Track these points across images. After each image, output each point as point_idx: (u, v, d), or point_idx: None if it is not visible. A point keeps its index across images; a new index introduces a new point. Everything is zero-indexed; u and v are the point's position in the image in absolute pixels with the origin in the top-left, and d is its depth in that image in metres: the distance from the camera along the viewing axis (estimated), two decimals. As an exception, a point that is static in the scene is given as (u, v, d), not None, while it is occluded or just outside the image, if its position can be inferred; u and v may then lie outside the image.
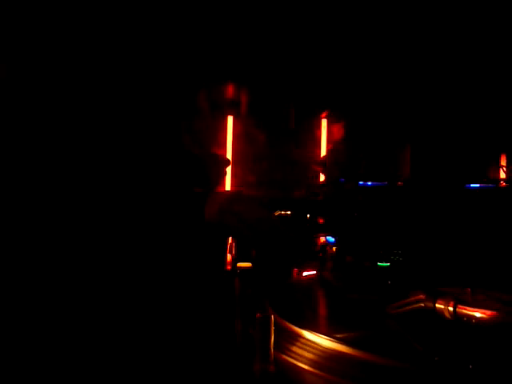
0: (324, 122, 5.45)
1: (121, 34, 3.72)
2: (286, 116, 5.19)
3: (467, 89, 4.96)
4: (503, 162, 5.16)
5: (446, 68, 4.93)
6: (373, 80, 5.10)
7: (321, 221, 4.25)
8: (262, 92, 4.92)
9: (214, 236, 3.63)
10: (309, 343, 1.72)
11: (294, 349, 1.75)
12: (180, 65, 4.23)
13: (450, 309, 1.71)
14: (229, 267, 3.19)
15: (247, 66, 4.68)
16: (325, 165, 5.06)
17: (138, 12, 3.86)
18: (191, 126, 4.47)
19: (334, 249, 3.57)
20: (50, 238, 3.37)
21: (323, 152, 5.37)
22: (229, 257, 3.26)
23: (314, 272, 2.98)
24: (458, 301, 1.71)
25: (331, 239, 3.69)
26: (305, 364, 1.67)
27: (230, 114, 4.94)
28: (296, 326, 1.83)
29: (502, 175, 5.12)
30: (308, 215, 4.33)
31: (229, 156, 4.97)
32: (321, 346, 1.67)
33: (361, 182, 5.28)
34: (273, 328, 1.65)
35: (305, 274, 3.00)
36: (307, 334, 1.76)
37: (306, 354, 1.69)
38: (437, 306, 1.75)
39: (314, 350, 1.69)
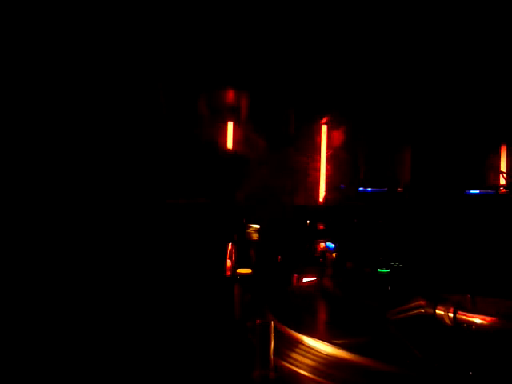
0: (324, 128, 5.46)
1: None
2: (285, 122, 5.19)
3: (464, 96, 4.98)
4: (503, 168, 5.16)
5: (446, 75, 4.94)
6: (373, 86, 5.11)
7: (320, 227, 4.25)
8: (262, 97, 4.93)
9: (213, 242, 3.64)
10: (309, 349, 1.72)
11: (294, 355, 1.74)
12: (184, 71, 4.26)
13: (450, 315, 1.70)
14: (229, 273, 3.19)
15: (247, 72, 4.69)
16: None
17: (145, 23, 3.90)
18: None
19: (334, 255, 3.57)
20: (53, 239, 3.39)
21: (323, 158, 5.37)
22: (229, 263, 3.26)
23: (314, 278, 2.98)
24: (458, 307, 1.71)
25: (331, 245, 3.69)
26: (305, 370, 1.66)
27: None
28: (296, 331, 1.83)
29: (502, 181, 5.12)
30: (308, 221, 4.34)
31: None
32: (321, 352, 1.67)
33: (361, 188, 5.28)
34: (272, 334, 1.65)
35: (305, 280, 3.00)
36: (307, 340, 1.75)
37: (306, 361, 1.68)
38: (437, 312, 1.75)
39: (314, 357, 1.68)
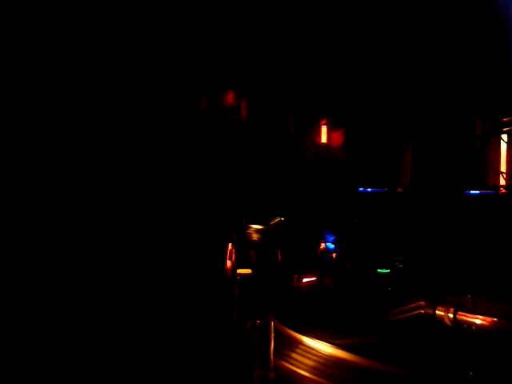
0: (324, 129, 5.46)
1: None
2: (285, 122, 5.19)
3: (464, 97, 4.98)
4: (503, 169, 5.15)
5: (445, 74, 4.94)
6: (373, 85, 5.11)
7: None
8: (262, 99, 4.94)
9: (214, 243, 3.63)
10: (309, 349, 1.72)
11: (294, 355, 1.74)
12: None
13: (450, 315, 1.70)
14: (229, 273, 3.18)
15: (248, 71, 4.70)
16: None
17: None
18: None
19: (334, 255, 3.57)
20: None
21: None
22: (229, 263, 3.26)
23: (314, 278, 2.98)
24: (458, 307, 1.71)
25: (331, 246, 3.69)
26: (305, 371, 1.66)
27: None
28: (296, 332, 1.83)
29: (502, 182, 5.10)
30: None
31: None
32: (321, 353, 1.67)
33: (360, 189, 5.28)
34: (272, 334, 1.65)
35: (305, 280, 2.99)
36: (307, 341, 1.75)
37: (306, 361, 1.68)
38: (437, 312, 1.74)
39: (314, 357, 1.68)
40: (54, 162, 3.63)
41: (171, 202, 4.14)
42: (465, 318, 1.67)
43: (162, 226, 3.96)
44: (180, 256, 3.77)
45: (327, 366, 1.61)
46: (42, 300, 3.09)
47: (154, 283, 3.44)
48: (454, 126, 5.07)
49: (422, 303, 1.79)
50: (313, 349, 1.70)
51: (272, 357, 1.64)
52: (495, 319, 1.62)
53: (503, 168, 5.17)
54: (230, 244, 3.37)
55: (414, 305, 1.83)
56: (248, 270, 2.92)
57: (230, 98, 4.86)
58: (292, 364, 1.71)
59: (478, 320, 1.64)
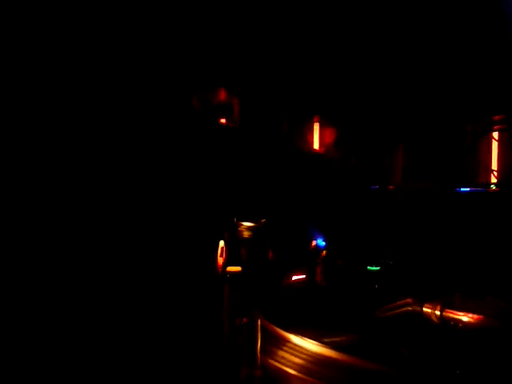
0: (316, 126, 5.46)
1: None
2: (278, 122, 5.20)
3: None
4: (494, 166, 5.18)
5: (436, 72, 4.95)
6: (365, 84, 5.12)
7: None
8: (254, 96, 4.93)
9: (205, 240, 3.62)
10: (296, 348, 1.71)
11: (282, 353, 1.73)
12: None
13: (437, 313, 1.70)
14: (219, 270, 3.17)
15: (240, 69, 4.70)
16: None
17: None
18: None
19: (324, 253, 3.57)
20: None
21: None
22: (220, 260, 3.24)
23: (304, 276, 2.98)
24: (445, 305, 1.71)
25: (322, 243, 3.69)
26: (292, 369, 1.66)
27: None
28: (284, 330, 1.82)
29: (493, 179, 5.13)
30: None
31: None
32: (308, 351, 1.66)
33: (352, 186, 5.28)
34: (259, 333, 1.64)
35: (294, 277, 2.99)
36: (295, 339, 1.74)
37: (294, 359, 1.68)
38: (424, 309, 1.74)
39: (301, 355, 1.67)
40: (42, 157, 3.61)
41: (162, 199, 4.12)
42: (451, 315, 1.67)
43: (152, 223, 3.95)
44: (171, 253, 3.75)
45: (313, 363, 1.60)
46: (32, 296, 3.07)
47: (143, 280, 3.42)
48: (445, 124, 5.09)
49: (410, 300, 1.79)
50: (300, 347, 1.69)
51: (259, 355, 1.64)
52: (482, 317, 1.62)
53: (494, 166, 5.20)
54: (221, 241, 3.35)
55: (401, 302, 1.83)
56: (238, 268, 2.91)
57: (222, 95, 4.85)
58: (279, 362, 1.71)
59: (465, 317, 1.64)
